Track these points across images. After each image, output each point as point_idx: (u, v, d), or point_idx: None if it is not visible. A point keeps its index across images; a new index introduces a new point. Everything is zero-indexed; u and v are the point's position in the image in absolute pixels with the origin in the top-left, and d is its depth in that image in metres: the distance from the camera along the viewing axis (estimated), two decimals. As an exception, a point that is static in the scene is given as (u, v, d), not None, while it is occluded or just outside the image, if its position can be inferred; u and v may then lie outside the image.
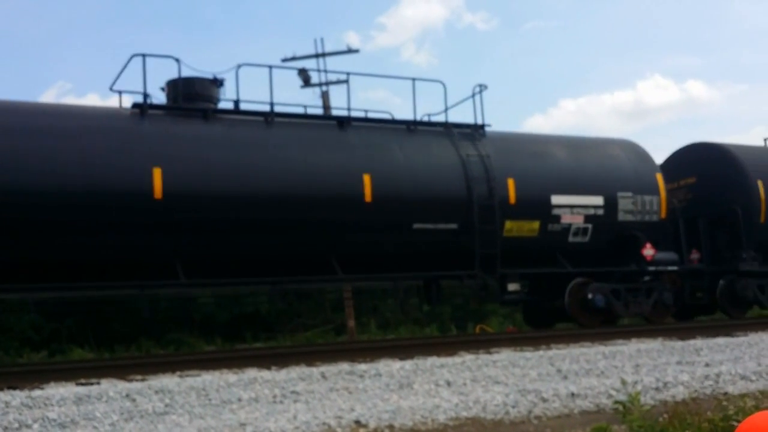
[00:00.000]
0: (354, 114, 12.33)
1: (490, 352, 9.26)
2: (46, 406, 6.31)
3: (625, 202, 13.49)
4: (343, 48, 25.24)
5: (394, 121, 12.60)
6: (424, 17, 68.13)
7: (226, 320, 17.93)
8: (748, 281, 14.46)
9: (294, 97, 61.02)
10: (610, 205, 13.31)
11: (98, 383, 7.46)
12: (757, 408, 5.10)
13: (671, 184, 15.52)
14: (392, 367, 7.83)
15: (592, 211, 13.13)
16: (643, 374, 7.78)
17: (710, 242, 14.97)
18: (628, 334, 11.09)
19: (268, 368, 8.25)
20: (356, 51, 25.26)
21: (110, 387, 7.04)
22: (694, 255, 14.85)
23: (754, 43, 73.34)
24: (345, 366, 8.05)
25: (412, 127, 12.51)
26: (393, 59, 66.69)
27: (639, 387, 7.08)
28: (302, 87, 24.53)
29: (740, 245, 14.58)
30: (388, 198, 11.48)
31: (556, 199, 12.80)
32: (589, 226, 13.09)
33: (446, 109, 12.95)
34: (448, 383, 7.19)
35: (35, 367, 9.93)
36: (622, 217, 13.43)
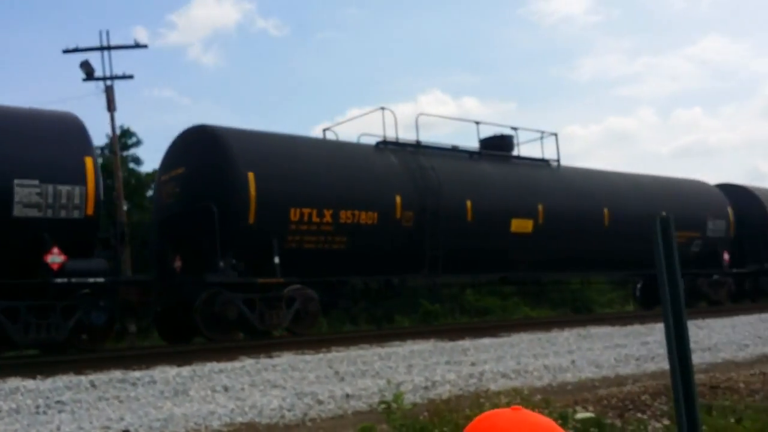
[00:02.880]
0: None
1: (271, 356, 9.31)
2: None
3: (27, 192, 10.31)
4: (131, 43, 24.37)
5: None
6: (216, 19, 67.13)
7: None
8: (232, 296, 11.68)
9: (76, 91, 57.38)
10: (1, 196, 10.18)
11: None
12: (509, 405, 5.57)
13: (165, 174, 13.42)
14: (168, 373, 7.65)
15: None
16: (414, 374, 8.20)
17: (195, 246, 12.22)
18: (404, 336, 11.63)
19: (33, 377, 7.73)
20: (144, 46, 24.55)
21: None
22: (177, 263, 12.46)
23: (522, 66, 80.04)
24: (117, 374, 7.74)
25: None
26: (180, 58, 64.99)
27: (410, 386, 7.48)
28: (84, 80, 23.44)
29: (215, 251, 11.70)
30: None
31: None
32: None
33: None
34: (226, 388, 7.15)
35: None
36: (20, 212, 10.25)
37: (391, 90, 76.48)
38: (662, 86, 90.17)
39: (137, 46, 24.30)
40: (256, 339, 11.92)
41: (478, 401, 5.66)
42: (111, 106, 23.31)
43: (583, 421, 4.98)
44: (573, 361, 9.26)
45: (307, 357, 9.10)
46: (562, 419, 5.12)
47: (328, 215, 12.92)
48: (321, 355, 9.27)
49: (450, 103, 74.74)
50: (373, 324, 21.07)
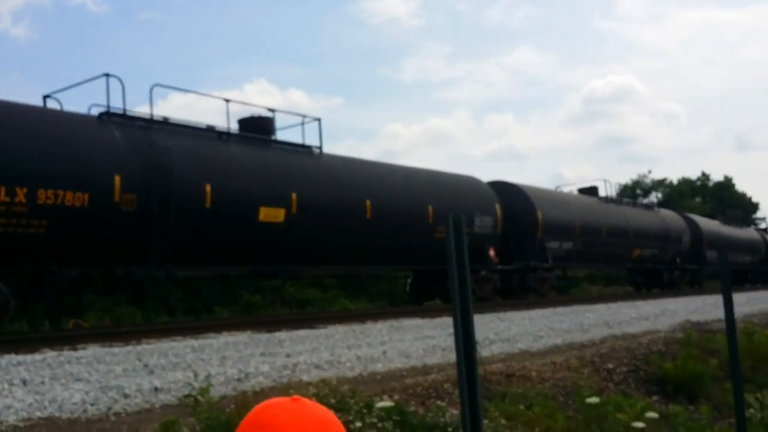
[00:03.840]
0: None
1: (75, 349, 8.90)
2: None
3: None
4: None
5: None
6: (30, -11, 62.56)
7: None
8: None
9: None
10: None
11: None
12: (318, 396, 5.72)
13: None
14: (-42, 367, 7.12)
15: None
16: (228, 366, 8.16)
17: None
18: (219, 327, 11.50)
19: None
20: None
21: None
22: None
23: (349, 62, 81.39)
24: None
25: None
26: (-14, 30, 60.15)
27: (222, 378, 7.45)
28: None
29: None
30: None
31: None
32: None
33: None
34: (24, 382, 6.78)
35: None
36: None
37: (217, 77, 75.18)
38: (478, 91, 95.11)
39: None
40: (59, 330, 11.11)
41: (288, 393, 5.75)
42: None
43: (386, 409, 5.21)
44: (384, 352, 9.61)
45: (115, 349, 8.79)
46: (367, 408, 5.34)
47: (21, 194, 11.00)
48: (130, 348, 8.98)
49: (277, 94, 74.68)
50: (192, 315, 20.61)
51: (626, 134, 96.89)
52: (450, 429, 5.37)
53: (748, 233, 42.98)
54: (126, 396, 6.52)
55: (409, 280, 21.66)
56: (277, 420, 1.26)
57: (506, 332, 11.72)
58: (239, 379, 7.59)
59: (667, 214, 33.44)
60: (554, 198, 25.15)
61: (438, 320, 13.07)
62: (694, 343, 10.67)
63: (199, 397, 4.52)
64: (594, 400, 6.27)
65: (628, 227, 27.62)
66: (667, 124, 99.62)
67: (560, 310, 15.98)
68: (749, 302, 20.76)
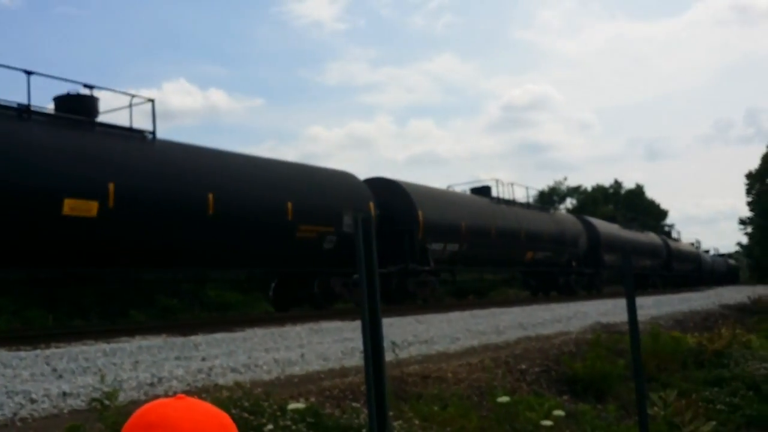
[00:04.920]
0: None
1: (-20, 353, 8.58)
2: None
3: None
4: None
5: None
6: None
7: None
8: None
9: None
10: None
11: None
12: (231, 399, 5.68)
13: None
14: None
15: None
16: (140, 371, 8.00)
17: None
18: (132, 331, 11.26)
19: None
20: None
21: None
22: None
23: (271, 63, 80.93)
24: None
25: None
26: None
27: (134, 383, 7.30)
28: None
29: None
30: None
31: None
32: None
33: None
34: None
35: None
36: None
37: (135, 74, 73.62)
38: (401, 96, 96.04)
39: None
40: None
41: (200, 396, 5.70)
42: None
43: (300, 411, 5.23)
44: (302, 355, 9.60)
45: (23, 353, 8.51)
46: (281, 411, 5.34)
47: None
48: (38, 351, 8.71)
49: (197, 93, 73.71)
50: (107, 319, 20.09)
51: (543, 142, 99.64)
52: (364, 430, 5.42)
53: (649, 237, 43.05)
54: (33, 401, 6.32)
55: (273, 284, 19.70)
56: (166, 418, 1.25)
57: (425, 334, 11.87)
58: (152, 384, 7.45)
59: (563, 216, 32.77)
60: (439, 197, 23.37)
61: (357, 323, 13.11)
62: (603, 343, 11.03)
63: (106, 402, 4.43)
64: (505, 399, 6.43)
65: (520, 229, 26.11)
66: (582, 132, 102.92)
67: (477, 312, 16.26)
68: (656, 305, 21.59)
